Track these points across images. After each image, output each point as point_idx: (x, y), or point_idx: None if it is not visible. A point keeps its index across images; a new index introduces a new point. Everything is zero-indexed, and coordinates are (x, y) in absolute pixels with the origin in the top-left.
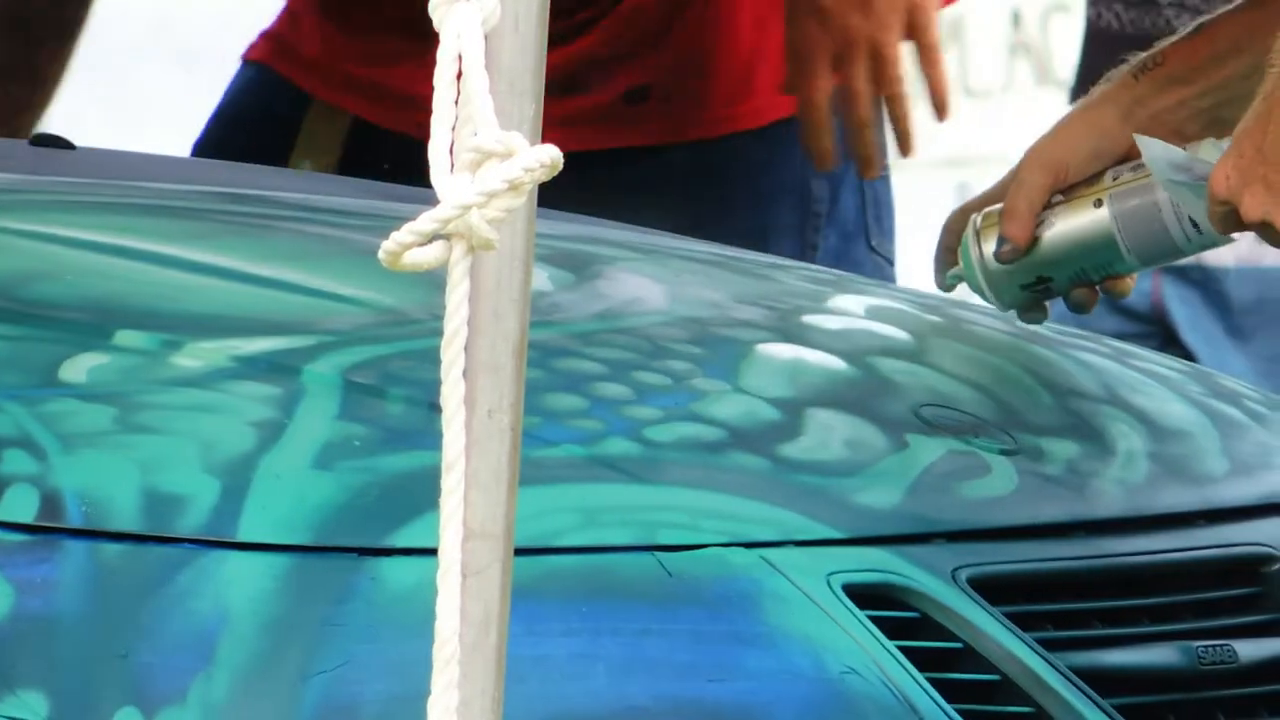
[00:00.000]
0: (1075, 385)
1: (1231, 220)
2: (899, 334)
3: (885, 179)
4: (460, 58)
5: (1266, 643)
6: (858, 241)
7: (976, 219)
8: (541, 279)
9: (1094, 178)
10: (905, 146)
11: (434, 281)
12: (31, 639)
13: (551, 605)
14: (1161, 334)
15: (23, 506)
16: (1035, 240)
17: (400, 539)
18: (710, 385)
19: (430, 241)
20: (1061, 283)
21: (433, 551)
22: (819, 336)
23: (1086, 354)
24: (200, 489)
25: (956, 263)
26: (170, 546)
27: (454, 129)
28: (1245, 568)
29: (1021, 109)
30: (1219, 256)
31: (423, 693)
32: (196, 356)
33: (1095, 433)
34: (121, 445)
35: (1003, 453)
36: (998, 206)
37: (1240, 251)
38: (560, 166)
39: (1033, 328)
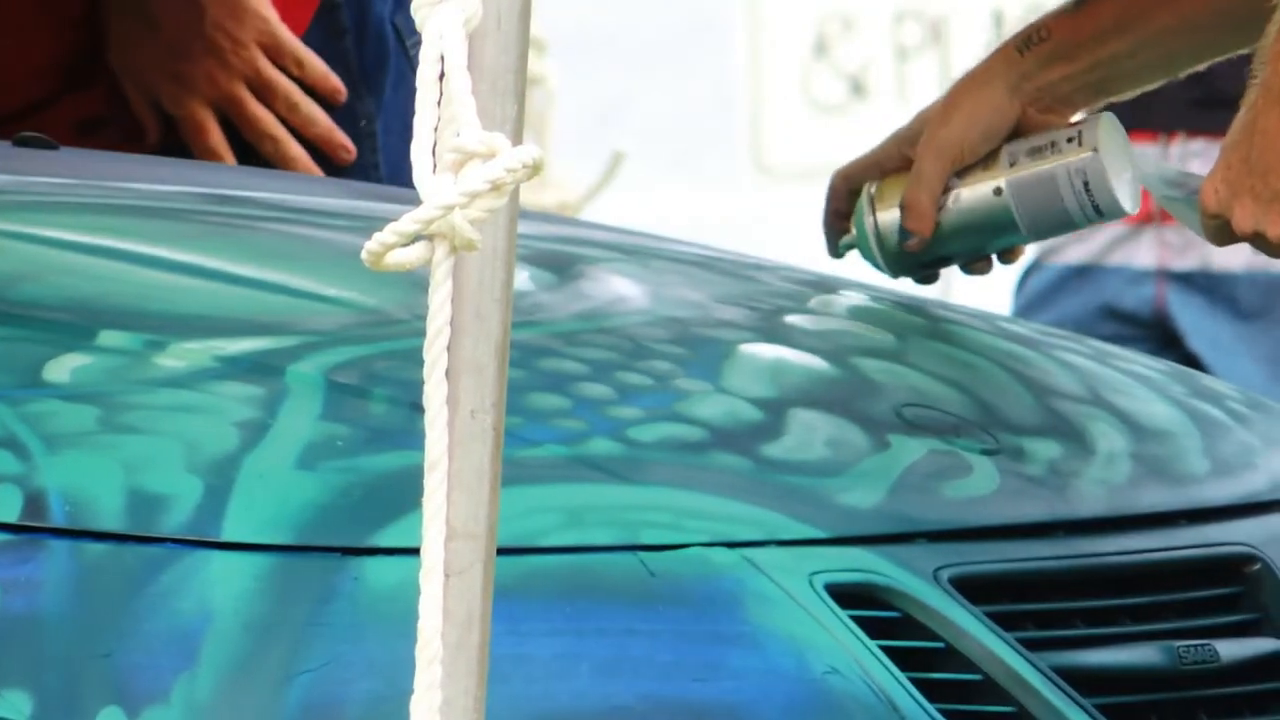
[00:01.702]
0: (1056, 385)
1: (1225, 233)
2: (881, 334)
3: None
4: (443, 58)
5: (1248, 642)
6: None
7: (871, 188)
8: (523, 279)
9: (989, 158)
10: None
11: (417, 282)
12: (15, 638)
13: (534, 605)
14: (1160, 339)
15: (7, 506)
16: (935, 225)
17: (383, 539)
18: (693, 385)
19: (413, 242)
20: (959, 258)
21: (416, 551)
22: (801, 336)
23: (1068, 354)
24: (184, 489)
25: (848, 230)
26: (154, 546)
27: (436, 129)
28: (1226, 567)
29: None
30: (1227, 262)
31: (406, 692)
32: (180, 357)
33: (1077, 433)
34: (105, 445)
35: (984, 453)
36: (893, 179)
37: (1248, 256)
38: (543, 167)
39: (1015, 328)
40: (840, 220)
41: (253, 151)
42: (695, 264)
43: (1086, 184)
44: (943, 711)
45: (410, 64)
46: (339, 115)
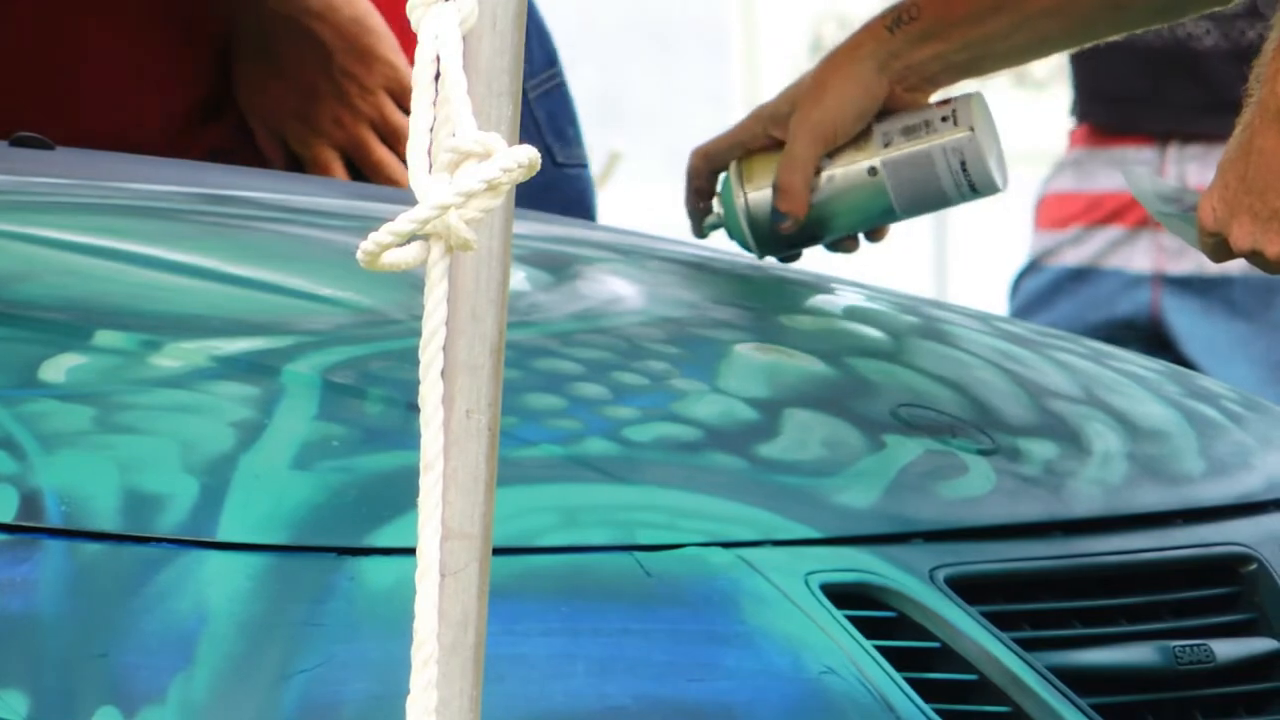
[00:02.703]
0: (1053, 385)
1: (1222, 250)
2: (877, 334)
3: (556, 89)
4: (438, 59)
5: (1243, 642)
6: (541, 166)
7: (738, 169)
8: (519, 279)
9: (861, 137)
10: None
11: (412, 282)
12: (12, 638)
13: (530, 605)
14: (1155, 343)
15: (2, 506)
16: (810, 206)
17: (379, 539)
18: (688, 385)
19: (409, 242)
20: (830, 238)
21: (411, 551)
22: (797, 337)
23: (1064, 354)
24: (180, 489)
25: (710, 210)
26: (150, 546)
27: (432, 130)
28: (1222, 567)
29: (997, 111)
30: (1224, 267)
31: (402, 692)
32: (176, 357)
33: (1073, 433)
34: (101, 445)
35: (980, 453)
36: (760, 158)
37: (1244, 261)
38: (538, 167)
39: (1011, 328)
40: (702, 200)
41: None
42: (691, 264)
43: (963, 163)
44: (938, 711)
45: (527, 106)
46: None
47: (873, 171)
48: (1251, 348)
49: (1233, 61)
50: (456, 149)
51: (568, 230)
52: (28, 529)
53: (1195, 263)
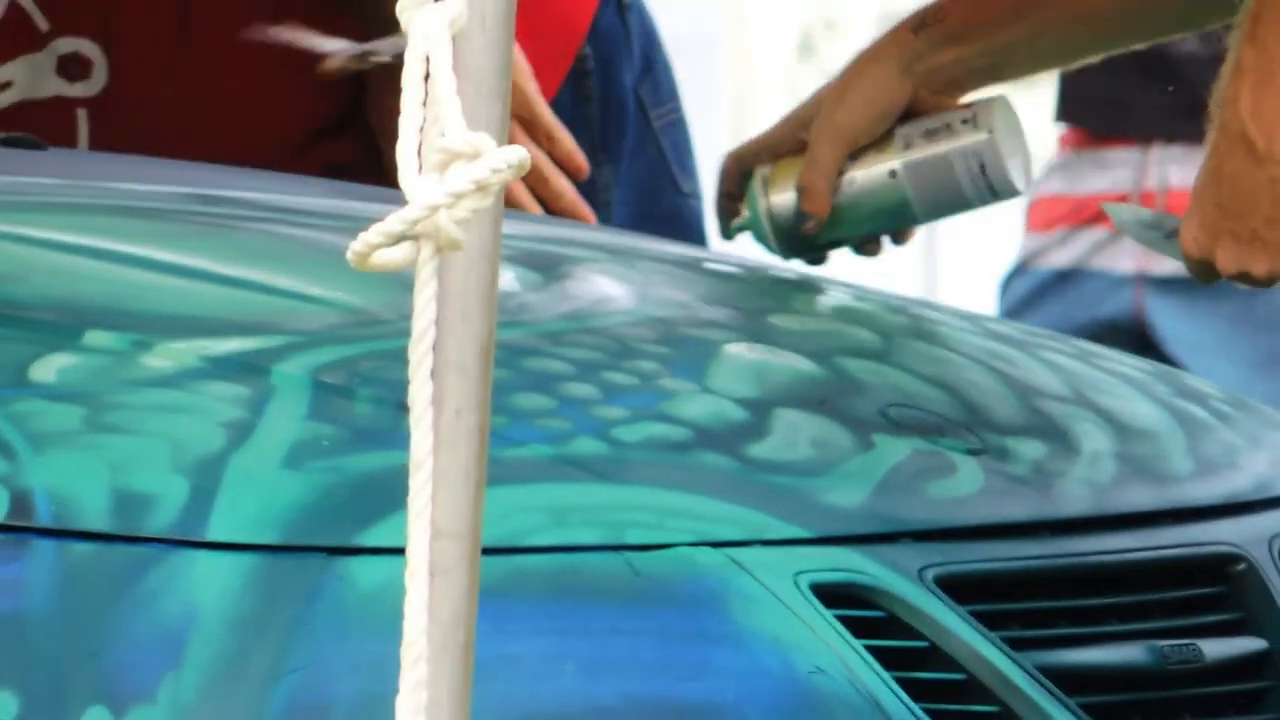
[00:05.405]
0: (1041, 385)
1: (1210, 274)
2: (866, 334)
3: (678, 121)
4: (427, 59)
5: (1232, 642)
6: (666, 194)
7: (764, 172)
8: (509, 279)
9: (883, 140)
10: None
11: (403, 282)
12: (1, 638)
13: (520, 605)
14: (1139, 344)
15: None
16: (832, 208)
17: (369, 538)
18: (678, 385)
19: (398, 242)
20: (853, 240)
21: (401, 551)
22: (786, 337)
23: (1052, 354)
24: (170, 488)
25: (739, 213)
26: (140, 546)
27: (421, 130)
28: (1211, 567)
29: None
30: None
31: (391, 692)
32: (166, 356)
33: (1061, 432)
34: (91, 445)
35: (969, 452)
36: (786, 162)
37: None
38: (528, 167)
39: (1000, 328)
40: (731, 202)
41: None
42: (680, 264)
43: (982, 166)
44: (927, 711)
45: (653, 136)
46: (576, 182)
47: (893, 174)
48: (1235, 347)
49: (1211, 66)
50: (446, 149)
51: (557, 230)
52: (17, 529)
53: (1178, 263)
